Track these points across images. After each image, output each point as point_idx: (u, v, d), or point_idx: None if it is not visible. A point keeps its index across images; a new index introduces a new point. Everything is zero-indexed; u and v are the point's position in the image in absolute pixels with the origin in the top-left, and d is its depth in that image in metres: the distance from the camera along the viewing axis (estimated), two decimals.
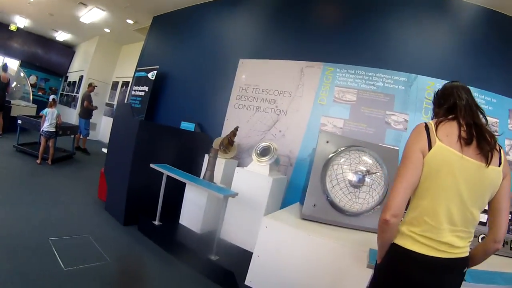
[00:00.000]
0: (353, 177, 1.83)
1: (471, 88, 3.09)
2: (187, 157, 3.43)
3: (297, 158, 3.23)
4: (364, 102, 3.13)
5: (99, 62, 8.47)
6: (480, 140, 0.93)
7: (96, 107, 6.35)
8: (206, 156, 3.05)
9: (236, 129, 3.20)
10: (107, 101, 8.71)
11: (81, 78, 8.61)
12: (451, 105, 1.02)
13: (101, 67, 8.49)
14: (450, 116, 0.99)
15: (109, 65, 8.69)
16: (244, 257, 2.20)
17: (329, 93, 3.24)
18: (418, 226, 0.96)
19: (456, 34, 3.15)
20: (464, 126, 0.95)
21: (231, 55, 4.00)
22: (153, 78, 4.89)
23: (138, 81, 5.46)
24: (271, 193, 2.58)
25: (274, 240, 1.82)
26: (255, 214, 2.51)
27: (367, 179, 1.82)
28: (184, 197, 2.91)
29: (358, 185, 1.83)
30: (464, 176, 0.92)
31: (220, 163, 3.05)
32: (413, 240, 0.96)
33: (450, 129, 0.96)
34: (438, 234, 0.93)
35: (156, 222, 2.78)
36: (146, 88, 5.05)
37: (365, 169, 1.84)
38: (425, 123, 1.00)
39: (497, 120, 3.12)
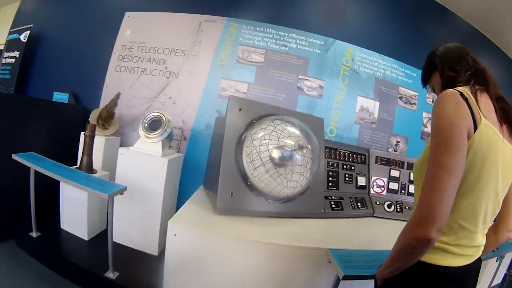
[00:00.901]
0: (279, 154, 1.26)
1: (391, 60, 2.61)
2: (59, 138, 2.64)
3: (192, 130, 2.60)
4: (273, 64, 2.51)
5: None
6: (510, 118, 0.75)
7: None
8: (83, 136, 2.27)
9: (117, 96, 2.52)
10: None
11: None
12: (477, 71, 0.81)
13: None
14: (480, 87, 0.76)
15: None
16: (149, 266, 1.86)
17: (231, 52, 2.54)
18: (451, 234, 0.74)
19: (378, 3, 2.96)
20: (495, 101, 0.76)
21: (115, 7, 3.04)
22: (25, 40, 3.75)
23: (9, 46, 4.18)
24: (168, 178, 2.01)
25: (189, 251, 1.19)
26: (151, 207, 2.00)
27: (297, 156, 1.28)
28: (60, 194, 2.13)
29: (284, 164, 1.27)
30: (503, 164, 0.73)
31: (100, 142, 2.35)
32: (445, 253, 0.73)
33: (487, 102, 0.75)
34: (472, 239, 0.75)
35: (34, 233, 2.00)
36: (17, 54, 3.85)
37: (293, 143, 1.29)
38: (458, 90, 0.73)
39: (416, 94, 2.83)
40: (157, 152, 2.00)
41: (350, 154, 1.94)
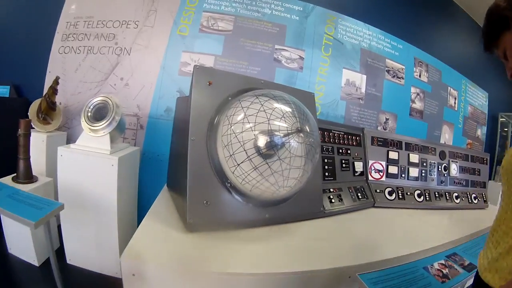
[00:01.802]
0: (271, 143, 0.87)
1: (376, 30, 2.18)
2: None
3: (150, 116, 2.19)
4: (244, 32, 2.14)
5: None
6: None
7: None
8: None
9: (56, 81, 2.04)
10: None
11: None
12: None
13: None
14: None
15: None
16: None
17: (193, 21, 2.13)
18: None
19: None
20: None
21: None
22: None
23: None
24: (122, 181, 1.64)
25: None
26: (105, 219, 1.64)
27: (294, 144, 0.89)
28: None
29: (277, 155, 0.88)
30: None
31: (40, 141, 1.94)
32: None
33: None
34: None
35: None
36: None
37: (290, 125, 0.89)
38: None
39: (403, 67, 2.57)
40: (104, 149, 1.61)
41: (345, 136, 1.62)
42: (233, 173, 0.90)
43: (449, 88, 3.07)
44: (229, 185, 0.95)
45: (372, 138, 1.71)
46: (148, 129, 2.11)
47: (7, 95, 2.62)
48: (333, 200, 1.35)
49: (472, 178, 2.03)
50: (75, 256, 1.69)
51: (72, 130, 2.27)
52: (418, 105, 2.76)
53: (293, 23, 2.29)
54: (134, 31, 2.25)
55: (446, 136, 3.03)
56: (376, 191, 1.60)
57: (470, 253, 1.12)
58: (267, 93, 0.97)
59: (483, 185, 2.08)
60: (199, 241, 0.88)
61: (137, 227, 0.92)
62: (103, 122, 1.60)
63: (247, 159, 0.86)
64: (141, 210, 1.93)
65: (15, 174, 1.66)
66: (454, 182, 1.93)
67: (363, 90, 2.43)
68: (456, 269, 0.96)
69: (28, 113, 2.03)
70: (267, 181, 0.88)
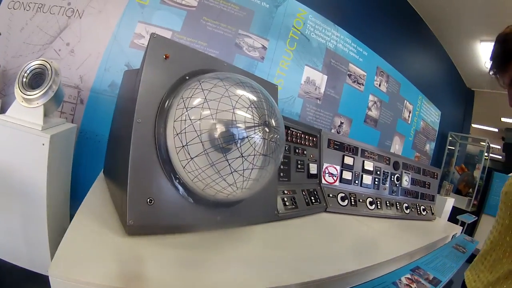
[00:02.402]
0: (234, 137, 0.74)
1: (345, 32, 2.26)
2: None
3: (92, 90, 1.95)
4: (208, 11, 2.00)
5: None
6: None
7: None
8: None
9: None
10: None
11: None
12: None
13: None
14: None
15: None
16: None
17: None
18: None
19: None
20: None
21: None
22: None
23: None
24: (53, 163, 1.39)
25: None
26: (32, 208, 1.39)
27: (259, 139, 0.76)
28: None
29: (239, 151, 0.75)
30: None
31: None
32: None
33: None
34: None
35: None
36: None
37: (257, 117, 0.77)
38: None
39: (365, 74, 2.63)
40: (35, 123, 1.36)
41: (302, 135, 1.55)
42: (184, 167, 0.76)
43: (405, 101, 3.23)
44: (177, 181, 0.81)
45: (329, 140, 1.67)
46: (89, 105, 1.87)
47: None
48: (287, 203, 1.28)
49: (422, 190, 2.10)
50: (2, 248, 1.43)
51: (7, 98, 1.99)
52: (374, 113, 2.86)
53: (261, 10, 2.20)
54: None
55: (396, 147, 3.19)
56: (329, 195, 1.57)
57: (432, 266, 1.13)
58: (233, 77, 0.84)
59: (432, 198, 2.18)
60: (140, 249, 0.72)
61: (70, 219, 0.77)
62: (38, 91, 1.37)
63: (203, 152, 0.73)
64: (75, 200, 1.70)
65: None
66: (405, 192, 1.98)
67: (322, 90, 2.44)
68: (424, 284, 0.95)
69: None
70: (224, 181, 0.76)
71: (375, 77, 2.83)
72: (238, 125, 0.73)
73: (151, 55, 0.85)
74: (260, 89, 0.86)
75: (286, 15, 2.30)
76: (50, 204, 1.40)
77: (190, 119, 0.73)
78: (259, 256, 0.87)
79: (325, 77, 2.45)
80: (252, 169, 0.77)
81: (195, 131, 0.72)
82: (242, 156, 0.74)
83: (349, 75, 2.61)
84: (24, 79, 1.41)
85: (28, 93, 1.38)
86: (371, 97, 2.80)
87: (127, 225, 0.73)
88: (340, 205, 1.59)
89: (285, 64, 2.26)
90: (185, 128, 0.73)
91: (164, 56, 0.87)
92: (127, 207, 0.73)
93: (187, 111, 0.75)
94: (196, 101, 0.75)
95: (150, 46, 0.85)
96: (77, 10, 2.01)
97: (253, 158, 0.76)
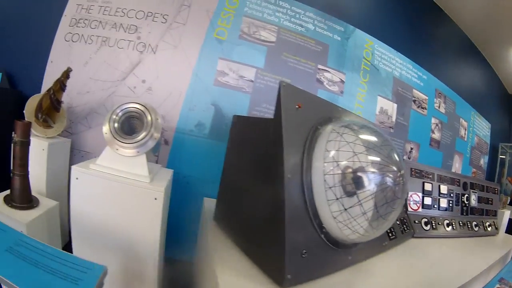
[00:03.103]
0: (382, 183, 0.81)
1: (406, 59, 2.60)
2: None
3: (177, 130, 1.92)
4: (287, 46, 1.98)
5: None
6: None
7: None
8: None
9: (66, 74, 1.62)
10: None
11: None
12: None
13: None
14: None
15: None
16: None
17: (232, 25, 1.93)
18: None
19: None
20: None
21: None
22: None
23: None
24: (164, 216, 1.30)
25: None
26: (138, 264, 1.25)
27: (397, 183, 0.83)
28: None
29: (382, 196, 0.81)
30: None
31: (40, 149, 1.54)
32: None
33: None
34: None
35: None
36: None
37: (396, 166, 0.84)
38: None
39: (427, 97, 2.59)
40: (140, 175, 1.24)
41: None
42: (335, 218, 0.81)
43: (461, 119, 3.19)
44: (323, 230, 0.86)
45: (411, 169, 1.73)
46: (174, 146, 1.87)
47: None
48: (390, 233, 1.35)
49: (486, 207, 2.13)
50: None
51: (75, 137, 1.94)
52: (436, 135, 2.82)
53: (335, 43, 2.19)
54: (162, 26, 2.00)
55: (457, 165, 3.15)
56: (414, 221, 1.63)
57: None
58: (367, 126, 0.91)
59: (495, 213, 2.22)
60: None
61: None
62: (138, 140, 1.23)
63: (357, 203, 0.78)
64: (170, 242, 1.59)
65: (7, 194, 1.21)
66: (473, 211, 2.01)
67: (394, 118, 2.41)
68: None
69: (24, 111, 1.61)
70: (370, 225, 0.82)
71: (435, 99, 2.80)
72: (388, 173, 0.80)
73: (285, 104, 0.86)
74: (385, 136, 0.92)
75: (356, 47, 2.29)
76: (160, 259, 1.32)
77: (344, 173, 0.79)
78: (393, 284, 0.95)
79: (395, 105, 2.42)
80: (392, 212, 0.84)
81: (349, 184, 0.79)
82: (387, 202, 0.80)
83: (414, 101, 2.58)
84: (116, 124, 1.27)
85: (126, 141, 1.25)
86: (433, 120, 2.76)
87: (285, 279, 0.76)
88: (424, 229, 1.64)
89: (361, 96, 2.23)
90: (339, 181, 0.79)
91: (297, 106, 0.87)
92: (285, 262, 0.76)
93: (337, 164, 0.80)
94: (346, 154, 0.81)
95: (283, 95, 0.86)
96: (149, 45, 1.98)
97: (394, 202, 0.83)
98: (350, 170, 0.79)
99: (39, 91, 1.91)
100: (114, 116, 1.27)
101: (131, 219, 1.23)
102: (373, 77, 2.34)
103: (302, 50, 2.08)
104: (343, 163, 0.79)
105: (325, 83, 2.09)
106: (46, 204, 1.26)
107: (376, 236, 0.91)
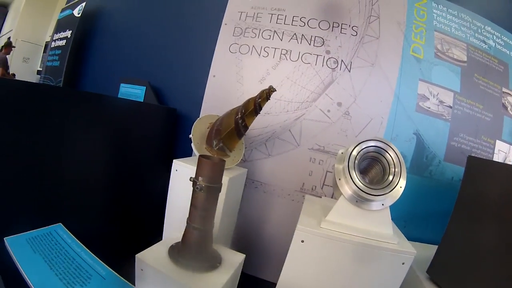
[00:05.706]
0: None
1: None
2: (131, 170, 1.66)
3: None
4: (476, 66, 1.86)
5: (29, 18, 5.91)
6: None
7: (13, 75, 4.37)
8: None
9: (268, 94, 1.32)
10: (38, 68, 5.78)
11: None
12: None
13: (32, 25, 5.90)
14: None
15: (42, 21, 5.93)
16: None
17: (427, 41, 1.78)
18: None
19: None
20: None
21: None
22: (79, 15, 2.87)
23: (60, 26, 3.28)
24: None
25: None
26: None
27: None
28: None
29: None
30: None
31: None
32: None
33: None
34: None
35: None
36: (68, 33, 2.93)
37: None
38: None
39: None
40: (385, 235, 1.03)
41: None
42: None
43: None
44: None
45: None
46: None
47: (141, 99, 2.01)
48: None
49: None
50: None
51: (249, 165, 1.74)
52: None
53: None
54: (353, 39, 1.76)
55: None
56: None
57: None
58: None
59: None
60: None
61: None
62: (384, 188, 1.01)
63: None
64: None
65: (176, 242, 1.05)
66: None
67: None
68: None
69: (191, 136, 1.40)
70: None
71: None
72: None
73: None
74: None
75: None
76: None
77: None
78: None
79: None
80: None
81: None
82: None
83: None
84: (357, 166, 1.04)
85: (371, 188, 1.01)
86: None
87: None
88: None
89: None
90: None
91: None
92: None
93: None
94: None
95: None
96: (342, 61, 1.78)
97: None
98: None
99: (197, 110, 1.73)
100: (357, 159, 1.04)
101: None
102: None
103: (489, 71, 1.94)
104: None
105: (509, 109, 1.99)
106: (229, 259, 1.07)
107: None
